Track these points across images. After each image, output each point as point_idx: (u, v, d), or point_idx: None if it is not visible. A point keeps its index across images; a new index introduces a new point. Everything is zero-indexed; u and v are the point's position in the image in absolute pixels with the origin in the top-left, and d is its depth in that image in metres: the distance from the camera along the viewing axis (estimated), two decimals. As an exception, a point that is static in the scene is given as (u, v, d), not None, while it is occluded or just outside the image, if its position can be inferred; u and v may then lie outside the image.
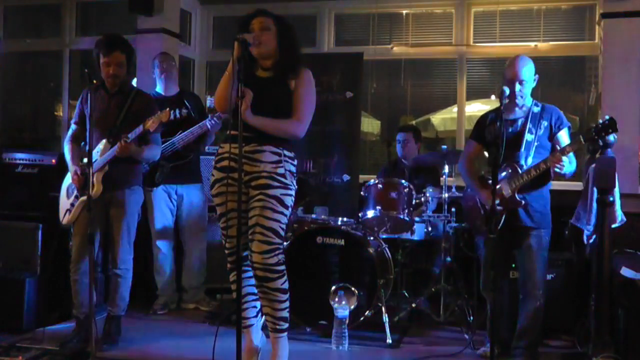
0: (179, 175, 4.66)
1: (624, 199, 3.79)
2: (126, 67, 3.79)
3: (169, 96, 4.76)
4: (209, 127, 4.52)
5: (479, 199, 3.62)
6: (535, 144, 3.46)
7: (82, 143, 3.87)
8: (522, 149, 3.45)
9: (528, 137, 3.46)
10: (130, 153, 3.65)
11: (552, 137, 3.51)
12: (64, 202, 3.86)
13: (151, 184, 4.62)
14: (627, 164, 4.76)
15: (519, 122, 3.52)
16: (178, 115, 4.69)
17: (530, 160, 3.44)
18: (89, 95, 3.64)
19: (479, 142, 3.72)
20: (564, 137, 3.50)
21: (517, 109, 3.53)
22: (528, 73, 3.48)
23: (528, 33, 5.84)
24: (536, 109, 3.53)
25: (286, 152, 3.21)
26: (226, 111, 3.21)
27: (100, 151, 3.66)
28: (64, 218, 3.84)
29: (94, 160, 3.59)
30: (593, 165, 3.66)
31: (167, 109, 3.71)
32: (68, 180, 3.88)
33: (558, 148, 3.43)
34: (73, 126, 3.92)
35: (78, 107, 3.90)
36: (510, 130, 3.51)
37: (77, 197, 3.76)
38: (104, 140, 3.68)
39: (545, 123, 3.50)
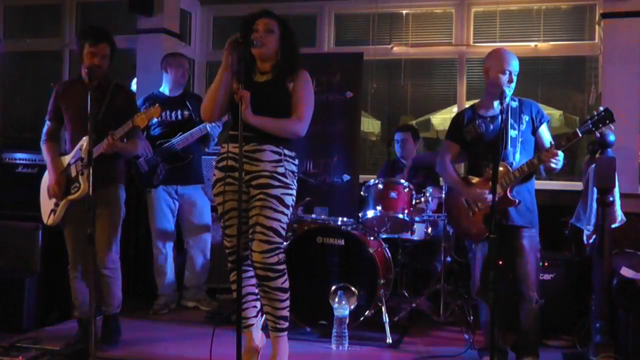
0: (179, 176, 4.66)
1: (624, 199, 3.79)
2: (109, 62, 3.70)
3: (172, 96, 4.75)
4: (209, 130, 4.51)
5: (466, 200, 3.48)
6: (520, 139, 3.37)
7: (60, 139, 3.79)
8: (509, 146, 3.34)
9: (512, 133, 3.36)
10: (117, 149, 3.59)
11: (534, 131, 3.41)
12: (46, 203, 3.74)
13: (149, 184, 4.62)
14: (627, 164, 4.75)
15: (499, 119, 3.31)
16: (180, 117, 4.68)
17: (518, 157, 3.34)
18: (65, 88, 3.63)
19: (456, 143, 3.58)
20: (545, 131, 3.42)
21: (495, 104, 3.40)
22: (517, 66, 3.38)
23: (528, 33, 5.84)
24: (514, 104, 3.42)
25: (286, 152, 3.21)
26: (213, 121, 3.22)
27: (82, 148, 3.59)
28: (49, 218, 3.72)
29: (78, 157, 3.57)
30: (593, 166, 3.66)
31: (157, 104, 3.66)
32: (47, 180, 3.76)
33: (549, 142, 3.36)
34: (47, 123, 3.81)
35: (52, 103, 3.79)
36: (491, 128, 3.40)
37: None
38: (85, 137, 3.55)
39: (526, 117, 3.40)
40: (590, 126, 3.17)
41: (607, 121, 3.14)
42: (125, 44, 5.93)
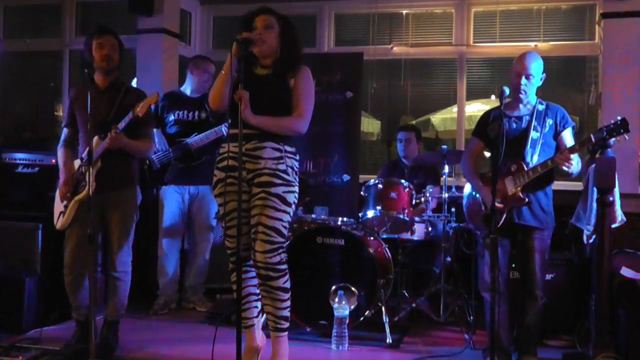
0: (192, 177, 4.68)
1: (624, 199, 3.79)
2: (119, 55, 3.68)
3: (192, 97, 4.77)
4: (224, 133, 4.51)
5: (480, 197, 3.59)
6: (541, 141, 3.44)
7: (79, 146, 3.76)
8: (528, 146, 3.43)
9: (534, 134, 3.44)
10: (121, 144, 3.53)
11: (556, 135, 3.49)
12: (58, 207, 3.74)
13: (160, 182, 4.65)
14: (627, 164, 4.76)
15: (524, 120, 3.50)
16: (197, 117, 4.70)
17: (536, 158, 3.41)
18: (78, 93, 3.60)
19: (481, 140, 3.69)
20: (568, 136, 3.49)
21: (521, 106, 3.52)
22: (536, 69, 3.46)
23: (528, 33, 5.84)
24: (541, 107, 3.51)
25: (287, 148, 3.21)
26: (220, 110, 3.22)
27: (93, 147, 3.55)
28: (58, 222, 3.71)
29: (86, 156, 3.54)
30: (593, 165, 3.65)
31: (156, 92, 3.65)
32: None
33: (565, 146, 3.41)
34: (64, 130, 3.81)
35: (67, 109, 3.79)
36: (515, 127, 3.48)
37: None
38: (95, 137, 3.52)
39: (550, 121, 3.49)
40: (605, 134, 3.21)
41: (622, 130, 3.18)
42: (125, 44, 5.92)
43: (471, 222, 3.75)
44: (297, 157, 3.29)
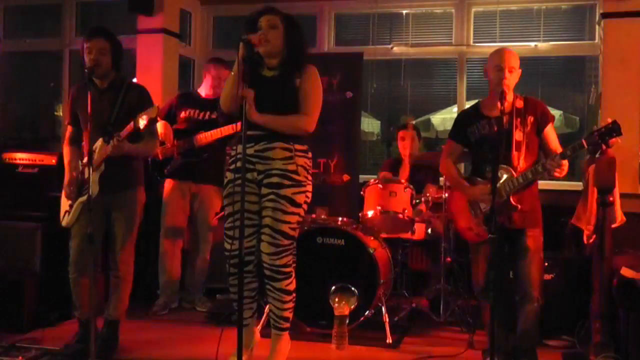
0: (191, 173, 4.68)
1: (624, 199, 3.79)
2: (110, 57, 3.63)
3: (207, 98, 4.79)
4: (230, 133, 4.49)
5: (469, 201, 3.45)
6: (525, 142, 3.31)
7: (82, 143, 3.75)
8: (514, 149, 3.29)
9: (517, 135, 3.30)
10: (124, 151, 3.52)
11: (539, 132, 3.36)
12: (64, 204, 3.74)
13: (160, 174, 4.65)
14: (627, 164, 4.76)
15: (504, 120, 3.26)
16: (207, 118, 4.71)
17: (523, 161, 3.30)
18: (78, 92, 3.60)
19: (458, 143, 3.54)
20: (551, 133, 3.37)
21: (500, 104, 3.26)
22: (516, 62, 3.33)
23: (528, 33, 5.85)
24: (519, 104, 3.37)
25: (297, 146, 3.21)
26: (230, 111, 3.22)
27: (96, 150, 3.55)
28: (64, 219, 3.72)
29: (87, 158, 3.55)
30: (593, 165, 3.66)
31: (156, 105, 3.64)
32: None
33: (549, 145, 3.33)
34: (68, 127, 3.81)
35: (69, 107, 3.79)
36: (495, 129, 3.30)
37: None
38: (99, 140, 3.53)
39: (531, 119, 3.34)
40: (597, 138, 3.11)
41: (614, 134, 3.09)
42: (125, 44, 5.94)
43: (459, 227, 3.61)
44: (309, 155, 3.28)
